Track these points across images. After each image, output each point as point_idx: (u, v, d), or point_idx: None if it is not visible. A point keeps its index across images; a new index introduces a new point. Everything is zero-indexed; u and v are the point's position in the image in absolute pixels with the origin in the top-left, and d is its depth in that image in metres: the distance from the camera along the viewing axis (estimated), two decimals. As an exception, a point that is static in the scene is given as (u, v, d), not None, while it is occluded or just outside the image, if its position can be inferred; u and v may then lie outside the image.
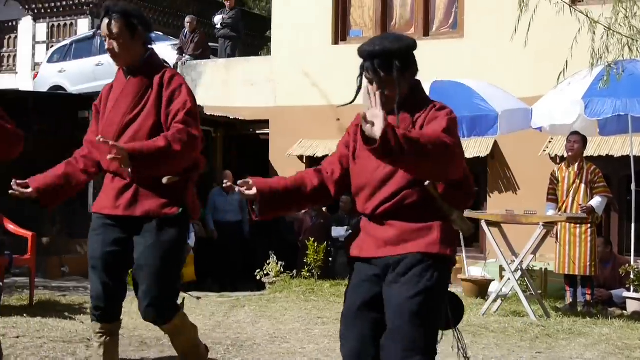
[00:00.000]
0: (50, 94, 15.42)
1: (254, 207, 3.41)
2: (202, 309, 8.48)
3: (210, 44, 16.02)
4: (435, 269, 3.23)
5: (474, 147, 11.65)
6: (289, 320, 7.78)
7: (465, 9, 12.36)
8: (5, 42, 24.89)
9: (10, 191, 4.16)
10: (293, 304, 9.01)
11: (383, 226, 3.28)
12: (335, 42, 13.16)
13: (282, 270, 10.92)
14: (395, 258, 3.23)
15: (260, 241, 12.19)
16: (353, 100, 3.50)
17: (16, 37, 24.47)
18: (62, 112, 11.89)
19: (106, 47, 4.14)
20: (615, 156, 10.75)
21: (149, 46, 4.22)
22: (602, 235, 10.26)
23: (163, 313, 4.10)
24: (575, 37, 6.98)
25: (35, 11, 23.52)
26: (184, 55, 15.20)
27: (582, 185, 8.91)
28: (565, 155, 9.27)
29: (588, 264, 8.86)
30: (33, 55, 23.67)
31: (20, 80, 23.03)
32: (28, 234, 8.29)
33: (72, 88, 16.29)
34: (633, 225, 9.02)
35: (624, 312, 8.98)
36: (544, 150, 11.27)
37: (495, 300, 8.53)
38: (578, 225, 8.88)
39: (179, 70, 14.73)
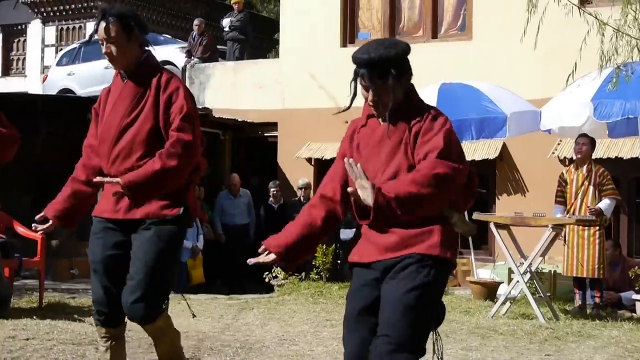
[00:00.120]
0: (59, 97, 15.48)
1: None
2: (210, 311, 8.48)
3: (218, 47, 16.04)
4: (433, 268, 3.23)
5: (483, 149, 11.64)
6: (297, 323, 7.78)
7: (473, 11, 12.35)
8: (15, 45, 24.98)
9: (39, 232, 4.29)
10: (302, 307, 9.01)
11: (384, 233, 3.29)
12: (344, 45, 13.16)
13: (290, 272, 10.92)
14: (394, 260, 3.24)
15: (268, 243, 12.18)
16: (349, 107, 3.48)
17: (25, 40, 24.56)
18: (71, 115, 11.92)
19: (103, 50, 4.11)
20: (624, 158, 10.73)
21: (146, 48, 4.19)
22: (612, 238, 10.24)
23: (150, 311, 4.00)
24: (584, 39, 6.96)
25: (44, 14, 23.61)
26: (192, 57, 15.23)
27: (591, 188, 8.89)
28: (574, 157, 9.25)
29: (596, 266, 8.84)
30: (42, 58, 23.76)
31: (30, 83, 23.12)
32: (37, 236, 8.29)
33: (81, 91, 16.36)
34: (642, 227, 9.00)
35: (634, 314, 8.96)
36: (553, 153, 11.24)
37: (504, 303, 8.51)
38: (586, 228, 8.86)
39: (187, 73, 14.77)
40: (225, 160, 14.01)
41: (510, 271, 9.18)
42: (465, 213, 10.23)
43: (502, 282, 9.80)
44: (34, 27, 24.08)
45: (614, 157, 10.75)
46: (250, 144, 14.42)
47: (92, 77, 15.97)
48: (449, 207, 3.30)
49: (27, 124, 11.94)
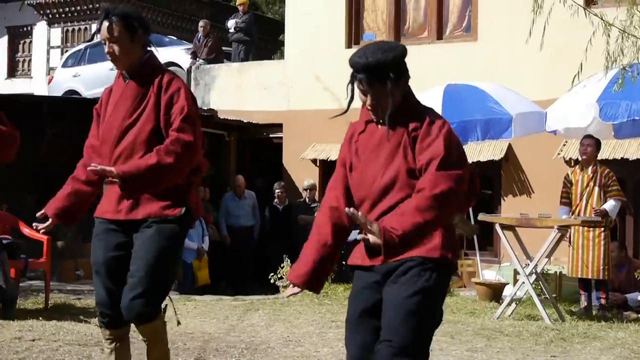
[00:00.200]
0: (65, 99, 15.50)
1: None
2: (216, 313, 8.49)
3: (223, 48, 16.05)
4: (434, 271, 3.22)
5: (488, 150, 11.63)
6: (302, 324, 7.78)
7: (478, 12, 12.34)
8: (20, 47, 25.06)
9: (41, 231, 4.32)
10: (307, 308, 9.01)
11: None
12: (349, 46, 13.16)
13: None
14: (395, 263, 3.24)
15: (274, 245, 12.19)
16: (346, 111, 3.47)
17: (31, 42, 24.64)
18: (76, 116, 11.90)
19: (106, 50, 4.09)
20: (630, 159, 10.71)
21: (148, 49, 4.18)
22: (617, 239, 10.22)
23: (149, 309, 3.98)
24: (590, 39, 6.95)
25: (50, 16, 23.67)
26: (197, 59, 15.24)
27: (596, 189, 8.88)
28: (579, 158, 9.24)
29: (601, 267, 8.83)
30: (47, 60, 23.83)
31: (35, 84, 23.18)
32: (43, 237, 8.30)
33: (87, 92, 16.37)
34: (648, 228, 8.99)
35: (639, 315, 8.95)
36: (559, 154, 11.23)
37: (509, 304, 8.50)
38: (591, 229, 8.85)
39: (192, 75, 14.78)
40: (230, 162, 14.02)
41: (516, 272, 9.17)
42: (471, 213, 10.28)
43: (508, 283, 9.80)
44: (40, 29, 24.15)
45: (619, 158, 10.73)
46: (255, 145, 14.43)
47: (98, 78, 15.98)
48: None
49: (33, 126, 12.00)
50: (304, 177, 12.81)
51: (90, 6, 22.86)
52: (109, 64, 16.03)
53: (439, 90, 9.61)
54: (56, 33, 23.76)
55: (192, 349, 6.32)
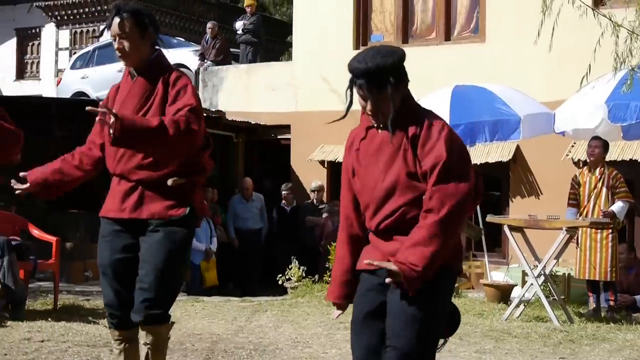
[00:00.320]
0: (73, 100, 15.54)
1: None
2: (224, 314, 8.50)
3: (231, 50, 16.07)
4: (438, 276, 3.20)
5: (496, 152, 11.61)
6: (311, 325, 7.78)
7: (486, 13, 12.33)
8: (29, 48, 25.13)
9: (16, 192, 4.26)
10: (315, 309, 9.01)
11: (387, 241, 3.28)
12: (357, 47, 13.15)
13: (304, 275, 10.93)
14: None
15: (281, 246, 12.20)
16: (345, 116, 3.46)
17: (39, 43, 24.70)
18: (85, 118, 11.95)
19: (115, 46, 4.07)
20: (639, 161, 10.68)
21: (157, 47, 4.18)
22: (626, 241, 10.20)
23: (158, 313, 3.98)
24: (598, 40, 6.93)
25: (58, 18, 23.73)
26: (205, 61, 15.26)
27: (604, 190, 8.86)
28: (588, 160, 9.23)
29: (609, 269, 8.81)
30: (56, 61, 23.89)
31: (44, 86, 23.25)
32: (52, 239, 8.35)
33: (95, 94, 16.40)
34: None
35: (648, 317, 8.92)
36: (567, 155, 11.21)
37: (518, 306, 8.49)
38: (599, 231, 8.83)
39: (200, 76, 14.81)
40: (238, 163, 14.04)
41: (524, 274, 9.15)
42: (479, 215, 10.24)
43: (516, 285, 9.78)
44: (48, 31, 24.21)
45: (628, 159, 10.71)
46: (263, 147, 14.44)
47: (106, 80, 15.98)
48: None
49: (41, 127, 12.04)
50: (312, 178, 12.82)
51: (99, 8, 22.91)
52: (117, 66, 16.08)
53: (446, 91, 9.61)
54: (65, 35, 23.82)
55: (201, 350, 6.33)
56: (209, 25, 15.96)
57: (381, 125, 3.31)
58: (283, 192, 12.60)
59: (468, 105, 9.34)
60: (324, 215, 11.95)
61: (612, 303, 8.96)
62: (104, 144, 4.19)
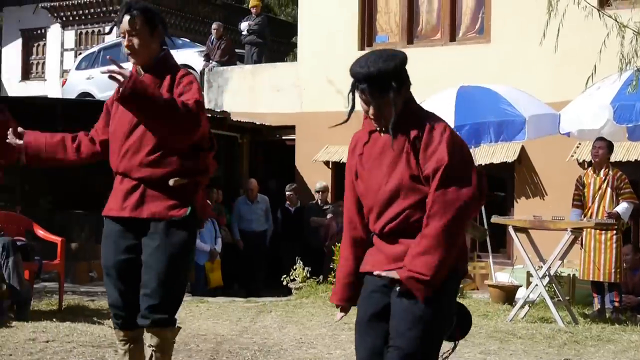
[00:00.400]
0: (79, 101, 15.57)
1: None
2: (228, 314, 8.51)
3: (236, 50, 16.07)
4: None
5: (501, 152, 11.60)
6: (315, 326, 7.78)
7: (491, 14, 12.31)
8: (34, 49, 25.20)
9: (7, 140, 4.30)
10: (319, 310, 9.01)
11: (392, 244, 3.28)
12: (362, 48, 13.15)
13: (308, 275, 10.93)
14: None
15: (286, 246, 12.20)
16: (347, 120, 3.45)
17: (45, 44, 24.77)
18: (90, 119, 11.96)
19: (125, 44, 4.08)
20: (644, 161, 10.66)
21: (164, 47, 4.18)
22: (631, 242, 10.18)
23: (164, 318, 3.99)
24: (604, 41, 6.93)
25: (64, 19, 23.78)
26: (210, 61, 15.27)
27: (608, 191, 8.85)
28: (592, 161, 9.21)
29: (613, 270, 8.80)
30: (61, 62, 23.94)
31: (49, 87, 23.31)
32: (57, 239, 8.36)
33: (100, 95, 16.42)
34: (663, 231, 8.94)
35: (654, 318, 8.90)
36: (572, 156, 11.19)
37: (522, 307, 8.48)
38: (603, 232, 8.82)
39: (205, 77, 14.82)
40: (243, 164, 14.04)
41: (529, 275, 9.13)
42: (484, 215, 10.23)
43: (521, 286, 9.76)
44: (54, 32, 24.27)
45: (633, 160, 10.69)
46: (268, 147, 14.45)
47: (111, 81, 16.03)
48: None
49: (47, 128, 12.01)
50: (317, 179, 12.82)
51: (104, 9, 22.97)
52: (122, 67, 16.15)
53: (451, 92, 9.60)
54: (70, 36, 23.87)
55: (205, 350, 6.33)
56: (214, 26, 15.96)
57: (384, 129, 3.31)
58: (287, 193, 12.60)
59: (473, 106, 9.33)
60: (329, 215, 11.95)
61: (617, 304, 8.95)
62: (106, 141, 4.22)
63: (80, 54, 21.28)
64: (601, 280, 8.90)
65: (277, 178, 13.94)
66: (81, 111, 13.07)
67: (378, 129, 3.34)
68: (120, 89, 3.72)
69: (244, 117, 13.82)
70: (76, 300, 8.96)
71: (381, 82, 3.21)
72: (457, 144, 3.22)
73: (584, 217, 8.88)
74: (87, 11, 23.30)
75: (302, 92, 13.74)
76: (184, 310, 8.12)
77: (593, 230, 8.80)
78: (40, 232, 8.52)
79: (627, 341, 7.16)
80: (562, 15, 7.04)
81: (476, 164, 3.56)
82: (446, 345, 3.35)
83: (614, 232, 8.79)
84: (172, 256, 3.98)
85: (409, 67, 3.31)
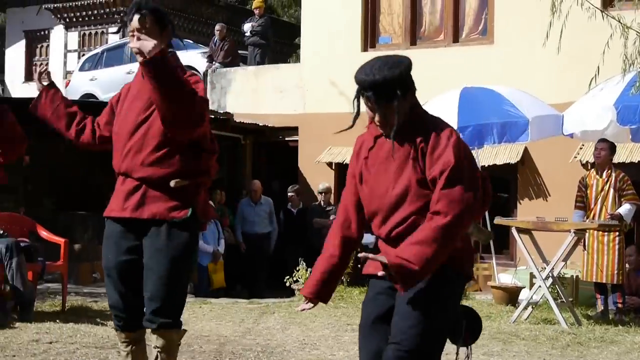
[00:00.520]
0: (82, 102, 15.57)
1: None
2: (232, 316, 8.51)
3: (239, 52, 16.09)
4: (447, 279, 3.22)
5: (504, 154, 11.59)
6: (318, 327, 7.78)
7: (495, 15, 12.31)
8: (38, 50, 25.21)
9: (35, 76, 4.51)
10: (322, 311, 8.99)
11: (397, 246, 3.26)
12: (365, 49, 13.16)
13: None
14: None
15: (289, 248, 12.19)
16: (352, 126, 3.45)
17: (48, 45, 24.77)
18: (94, 119, 11.98)
19: (132, 44, 4.13)
20: (647, 163, 10.65)
21: (171, 49, 4.18)
22: (634, 244, 10.17)
23: (168, 322, 3.98)
24: (607, 42, 6.92)
25: (67, 20, 23.79)
26: (213, 62, 15.28)
27: (611, 192, 8.85)
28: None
29: (615, 272, 8.80)
30: (65, 63, 23.94)
31: (52, 88, 23.26)
32: (60, 240, 8.37)
33: (104, 96, 16.44)
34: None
35: (657, 320, 8.89)
36: (575, 157, 11.18)
37: (525, 308, 8.47)
38: (606, 233, 8.82)
39: (208, 78, 14.82)
40: (246, 165, 14.04)
41: (532, 276, 9.13)
42: (487, 217, 10.23)
43: (524, 287, 9.76)
44: (57, 33, 24.27)
45: (637, 161, 10.67)
46: (271, 149, 14.45)
47: (114, 82, 16.02)
48: None
49: (50, 129, 12.04)
50: (320, 180, 12.82)
51: (107, 10, 22.97)
52: (125, 68, 16.15)
53: (455, 93, 9.60)
54: (73, 37, 23.87)
55: (208, 351, 6.34)
56: (217, 27, 15.98)
57: (390, 134, 3.31)
58: (289, 194, 12.60)
59: (476, 107, 9.33)
60: (332, 217, 11.94)
61: (620, 305, 8.94)
62: (104, 137, 4.27)
63: (83, 55, 21.30)
64: (604, 281, 8.90)
65: (280, 179, 13.94)
66: (84, 112, 13.14)
67: (384, 134, 3.34)
68: (148, 55, 3.78)
69: (247, 118, 13.83)
70: (79, 301, 8.97)
71: (387, 89, 3.21)
72: (462, 149, 3.23)
73: (587, 218, 8.88)
74: (90, 12, 23.30)
75: (305, 93, 13.74)
76: (187, 312, 8.11)
77: (596, 231, 8.79)
78: (44, 233, 8.52)
79: (630, 342, 7.16)
80: (566, 16, 7.04)
81: (479, 165, 3.56)
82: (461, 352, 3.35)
83: (617, 233, 8.79)
84: (174, 259, 3.97)
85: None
